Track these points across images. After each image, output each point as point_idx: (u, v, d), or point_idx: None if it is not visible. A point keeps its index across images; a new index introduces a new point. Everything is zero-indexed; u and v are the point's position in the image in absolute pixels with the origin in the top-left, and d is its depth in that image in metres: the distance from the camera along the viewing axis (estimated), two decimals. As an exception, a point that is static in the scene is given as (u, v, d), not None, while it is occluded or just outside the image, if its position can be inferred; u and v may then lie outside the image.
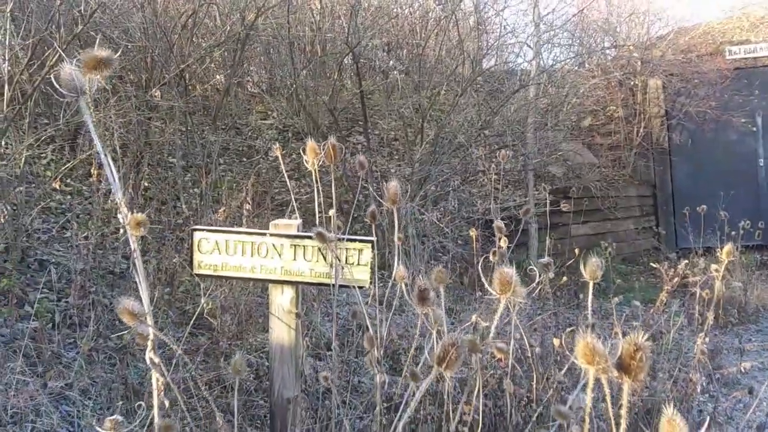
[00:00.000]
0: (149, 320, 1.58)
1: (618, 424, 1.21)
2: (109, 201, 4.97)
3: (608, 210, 8.57)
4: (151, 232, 4.90)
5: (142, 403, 1.64)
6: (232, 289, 3.90)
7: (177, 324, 3.98)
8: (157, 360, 1.62)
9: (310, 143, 2.48)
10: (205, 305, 3.35)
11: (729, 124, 9.37)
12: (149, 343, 1.62)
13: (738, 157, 9.51)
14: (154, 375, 1.66)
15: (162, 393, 1.66)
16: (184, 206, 5.62)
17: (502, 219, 6.73)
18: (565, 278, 4.25)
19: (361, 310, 2.25)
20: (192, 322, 3.34)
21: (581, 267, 1.88)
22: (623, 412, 1.19)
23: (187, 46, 6.82)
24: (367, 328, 2.16)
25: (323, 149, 2.60)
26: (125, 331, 3.64)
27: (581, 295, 5.01)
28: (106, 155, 1.51)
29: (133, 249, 1.72)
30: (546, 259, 2.76)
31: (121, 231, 4.76)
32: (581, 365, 1.18)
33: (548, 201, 7.04)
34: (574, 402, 1.62)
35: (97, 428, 1.47)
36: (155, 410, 1.66)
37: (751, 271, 6.24)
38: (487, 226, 6.54)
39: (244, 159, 7.12)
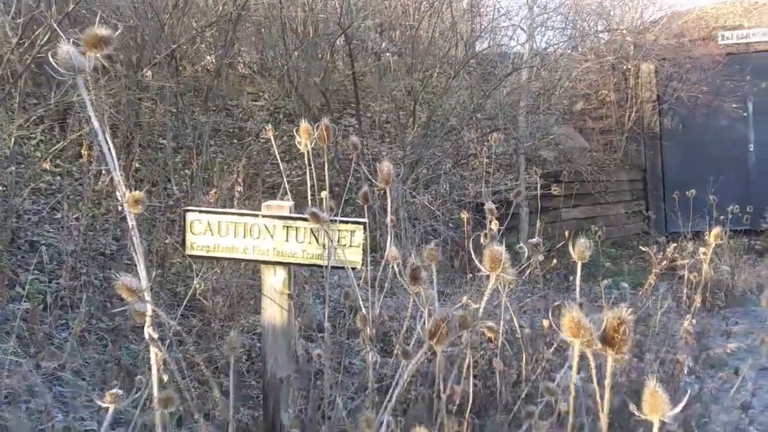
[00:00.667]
0: (147, 296, 1.60)
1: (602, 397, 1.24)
2: (100, 182, 4.95)
3: (599, 194, 8.61)
4: (142, 214, 4.89)
5: (142, 377, 1.66)
6: (224, 270, 3.91)
7: (169, 306, 3.98)
8: (155, 335, 1.64)
9: (304, 125, 2.48)
10: (197, 287, 3.36)
11: (720, 109, 9.41)
12: (147, 319, 1.64)
13: (728, 143, 9.56)
14: (153, 350, 1.68)
15: (161, 367, 1.69)
16: (174, 188, 5.60)
17: (493, 203, 6.75)
18: (555, 261, 4.28)
19: (353, 291, 2.26)
20: (184, 303, 3.35)
21: (571, 250, 1.90)
22: (607, 382, 1.22)
23: (178, 25, 6.76)
24: (360, 308, 2.18)
25: (316, 131, 2.61)
26: (117, 313, 3.65)
27: (570, 278, 5.04)
28: (104, 132, 1.52)
29: (131, 226, 1.74)
30: (535, 240, 2.78)
31: (112, 212, 4.75)
32: (567, 338, 1.21)
33: (539, 185, 7.07)
34: (561, 379, 1.65)
35: (98, 402, 1.49)
36: (154, 384, 1.68)
37: (739, 255, 6.29)
38: (478, 210, 6.56)
39: (235, 141, 7.10)
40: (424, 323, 1.79)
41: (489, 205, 2.94)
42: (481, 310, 1.80)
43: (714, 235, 3.00)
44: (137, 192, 1.60)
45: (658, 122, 9.67)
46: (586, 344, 1.19)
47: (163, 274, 4.17)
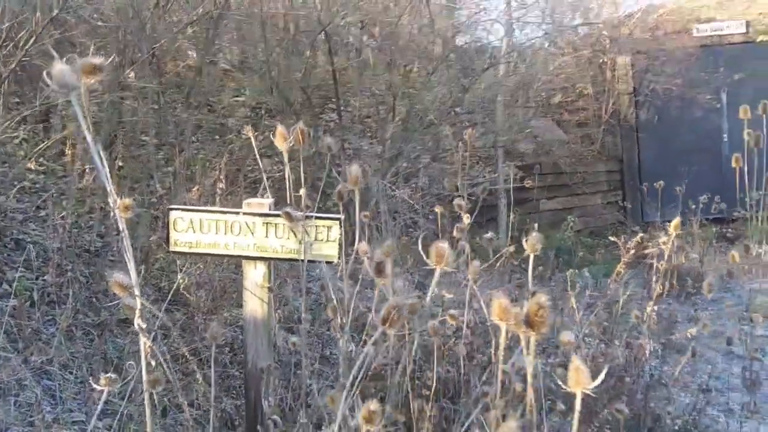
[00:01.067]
0: (137, 291, 1.73)
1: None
2: (84, 180, 5.04)
3: (576, 185, 8.79)
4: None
5: (132, 362, 1.79)
6: (207, 265, 4.01)
7: (153, 301, 4.08)
8: (144, 326, 1.77)
9: (279, 129, 2.60)
10: (180, 281, 3.47)
11: (695, 100, 9.61)
12: (137, 312, 1.77)
13: (703, 134, 9.77)
14: (142, 339, 1.81)
15: (149, 355, 1.82)
16: (157, 185, 5.68)
17: (472, 195, 6.90)
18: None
19: (327, 284, 2.39)
20: (168, 298, 3.46)
21: (525, 240, 2.03)
22: (530, 359, 1.36)
23: (159, 24, 6.82)
24: (331, 300, 2.31)
25: (292, 133, 2.72)
26: (103, 308, 3.75)
27: (541, 267, 5.19)
28: (99, 155, 1.63)
29: (122, 229, 1.88)
30: (489, 234, 2.92)
31: (96, 210, 4.83)
32: (495, 321, 1.35)
33: (516, 177, 7.21)
34: (517, 361, 1.79)
35: (94, 385, 1.61)
36: (143, 369, 1.81)
37: (710, 243, 6.48)
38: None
39: (217, 137, 7.18)
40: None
41: (458, 200, 3.08)
42: (428, 299, 1.94)
43: (674, 225, 3.15)
44: (127, 199, 1.74)
45: (635, 114, 9.86)
46: (512, 327, 1.33)
47: (147, 270, 4.26)
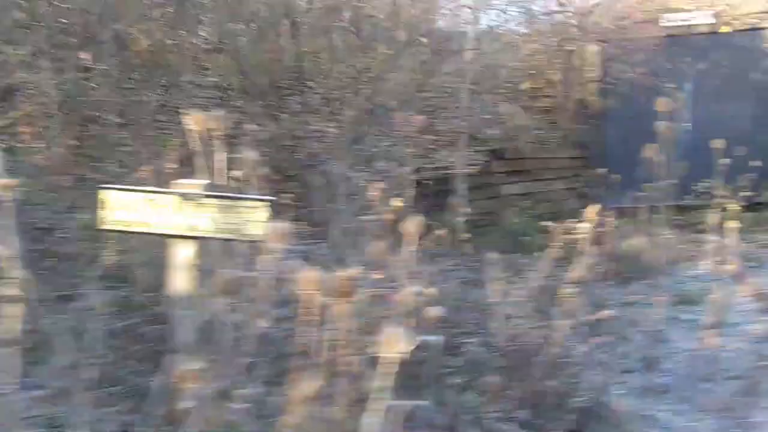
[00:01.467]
0: (17, 263, 1.86)
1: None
2: (37, 158, 5.11)
3: (539, 171, 8.92)
4: (83, 189, 5.06)
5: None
6: (148, 243, 4.09)
7: (101, 278, 4.17)
8: (13, 294, 1.90)
9: (195, 116, 2.71)
10: (117, 259, 3.58)
11: (660, 90, 9.73)
12: (19, 282, 1.90)
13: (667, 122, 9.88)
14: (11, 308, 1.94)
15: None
16: (116, 164, 5.75)
17: (433, 179, 6.97)
18: (466, 236, 4.56)
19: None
20: (109, 275, 3.56)
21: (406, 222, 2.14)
22: (342, 323, 1.48)
23: (125, 4, 6.85)
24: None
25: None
26: (47, 284, 3.84)
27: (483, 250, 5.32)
28: None
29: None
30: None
31: (48, 187, 4.92)
32: (303, 292, 1.48)
33: (479, 162, 7.33)
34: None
35: None
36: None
37: (658, 229, 6.61)
38: (418, 186, 6.79)
39: (180, 117, 7.22)
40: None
41: (378, 185, 3.18)
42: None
43: (591, 212, 3.28)
44: (10, 180, 1.87)
45: (601, 102, 9.98)
46: (324, 295, 1.46)
47: (96, 248, 4.35)
